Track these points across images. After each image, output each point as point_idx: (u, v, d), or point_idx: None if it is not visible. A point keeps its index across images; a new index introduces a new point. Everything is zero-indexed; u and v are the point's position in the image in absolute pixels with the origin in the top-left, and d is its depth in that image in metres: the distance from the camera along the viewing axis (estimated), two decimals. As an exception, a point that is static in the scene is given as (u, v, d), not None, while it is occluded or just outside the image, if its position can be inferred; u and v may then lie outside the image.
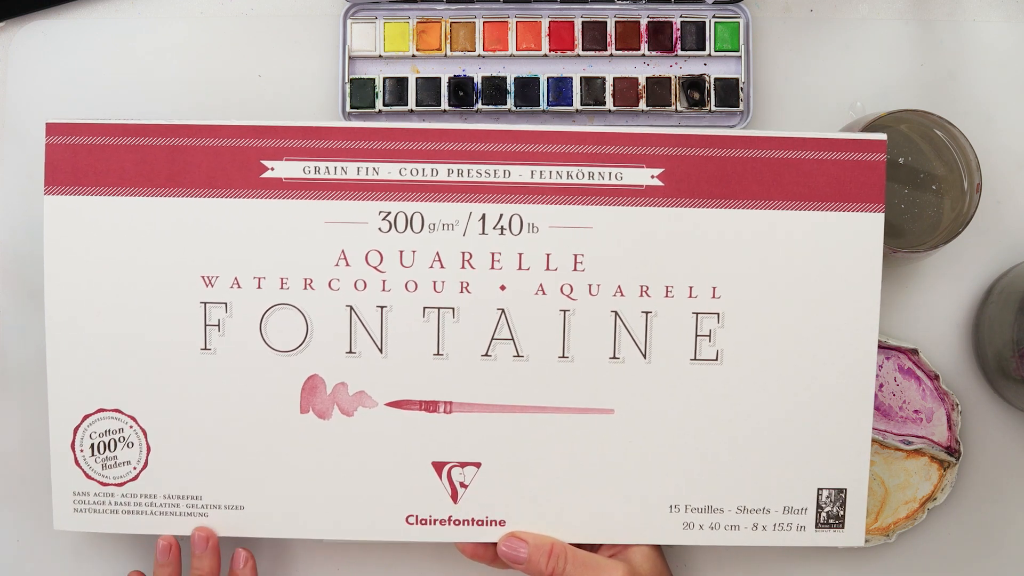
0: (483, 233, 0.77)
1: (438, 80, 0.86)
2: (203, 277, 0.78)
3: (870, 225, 0.77)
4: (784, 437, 0.79)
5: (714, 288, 0.78)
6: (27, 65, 0.87)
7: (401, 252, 0.77)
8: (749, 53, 0.86)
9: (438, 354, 0.78)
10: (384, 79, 0.86)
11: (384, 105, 0.86)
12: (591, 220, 0.77)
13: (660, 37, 0.86)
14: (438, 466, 0.79)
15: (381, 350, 0.78)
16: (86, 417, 0.79)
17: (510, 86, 0.86)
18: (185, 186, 0.77)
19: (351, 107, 0.86)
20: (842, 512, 0.79)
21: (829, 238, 0.77)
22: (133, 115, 0.85)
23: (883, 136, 0.77)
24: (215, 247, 0.78)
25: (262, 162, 0.77)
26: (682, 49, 0.86)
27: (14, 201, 0.87)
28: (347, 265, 0.78)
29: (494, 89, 0.86)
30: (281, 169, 0.77)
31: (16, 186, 0.87)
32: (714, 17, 0.86)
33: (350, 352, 0.78)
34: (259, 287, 0.78)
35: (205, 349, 0.78)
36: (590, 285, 0.78)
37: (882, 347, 0.84)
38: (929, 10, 0.87)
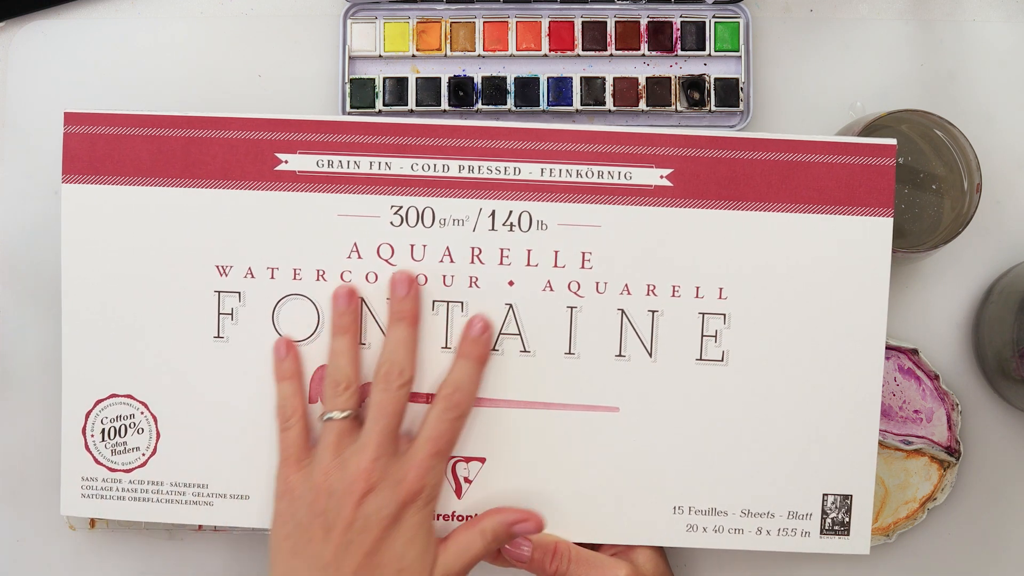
0: (492, 229, 0.77)
1: (438, 80, 0.86)
2: (217, 266, 0.78)
3: (878, 230, 0.77)
4: (789, 440, 0.78)
5: (720, 289, 0.78)
6: (27, 65, 0.87)
7: (412, 246, 0.77)
8: (749, 53, 0.86)
9: (446, 347, 0.78)
10: (384, 79, 0.86)
11: (384, 105, 0.86)
12: (599, 219, 0.77)
13: (660, 37, 0.86)
14: None
15: None
16: (98, 402, 0.79)
17: (510, 86, 0.86)
18: (200, 177, 0.77)
19: (351, 107, 0.86)
20: (847, 519, 0.79)
21: (837, 242, 0.77)
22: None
23: (893, 141, 0.77)
24: (229, 237, 0.78)
25: (276, 155, 0.77)
26: (682, 49, 0.86)
27: (14, 200, 0.86)
28: (359, 258, 0.78)
29: (494, 89, 0.86)
30: (295, 162, 0.77)
31: (16, 186, 0.86)
32: (714, 17, 0.86)
33: (360, 344, 0.78)
34: (272, 277, 0.78)
35: (218, 337, 0.78)
36: (597, 283, 0.78)
37: (882, 347, 0.84)
38: (929, 10, 0.87)
